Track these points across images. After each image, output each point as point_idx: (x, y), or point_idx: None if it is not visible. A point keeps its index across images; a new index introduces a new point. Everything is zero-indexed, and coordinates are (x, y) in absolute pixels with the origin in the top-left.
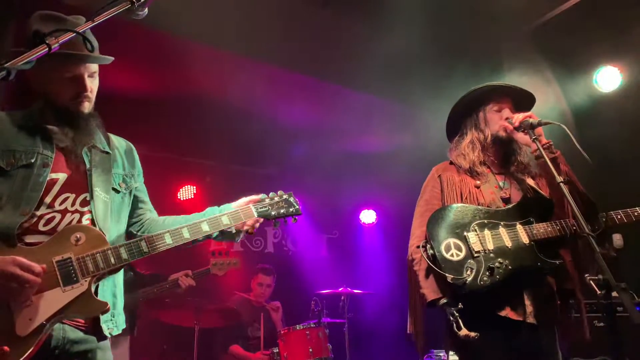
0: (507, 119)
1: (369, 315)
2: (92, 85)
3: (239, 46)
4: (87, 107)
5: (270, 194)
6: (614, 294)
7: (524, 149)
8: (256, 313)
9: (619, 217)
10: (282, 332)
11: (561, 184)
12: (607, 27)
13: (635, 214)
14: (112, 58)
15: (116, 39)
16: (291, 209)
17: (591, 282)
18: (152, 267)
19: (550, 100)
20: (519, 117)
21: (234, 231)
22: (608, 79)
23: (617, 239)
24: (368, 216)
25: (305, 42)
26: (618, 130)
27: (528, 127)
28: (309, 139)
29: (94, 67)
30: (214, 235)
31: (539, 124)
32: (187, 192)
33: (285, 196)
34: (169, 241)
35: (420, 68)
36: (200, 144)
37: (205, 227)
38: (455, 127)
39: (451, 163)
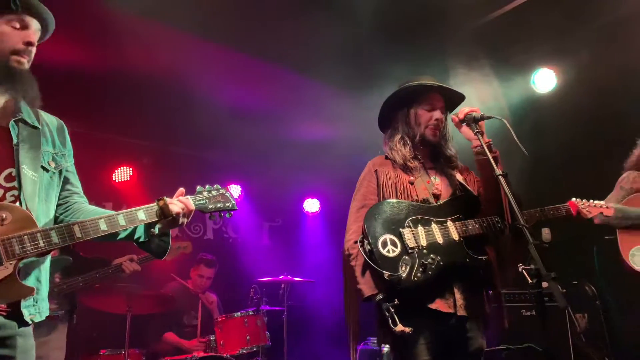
0: (436, 119)
1: (309, 303)
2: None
3: (181, 23)
4: (27, 65)
5: (207, 187)
6: (544, 284)
7: (451, 143)
8: (193, 300)
9: (537, 214)
10: (219, 319)
11: (500, 177)
12: (546, 30)
13: (551, 212)
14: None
15: (50, 8)
16: (227, 204)
17: (524, 271)
18: (94, 251)
19: (489, 97)
20: (464, 110)
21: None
22: (544, 80)
23: (546, 232)
24: (312, 205)
25: (253, 24)
26: (552, 129)
27: (472, 121)
28: (254, 124)
29: (38, 24)
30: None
31: (482, 118)
32: (123, 174)
33: (222, 190)
34: (103, 227)
35: (367, 57)
36: (138, 123)
37: (142, 216)
38: (388, 118)
39: (386, 157)
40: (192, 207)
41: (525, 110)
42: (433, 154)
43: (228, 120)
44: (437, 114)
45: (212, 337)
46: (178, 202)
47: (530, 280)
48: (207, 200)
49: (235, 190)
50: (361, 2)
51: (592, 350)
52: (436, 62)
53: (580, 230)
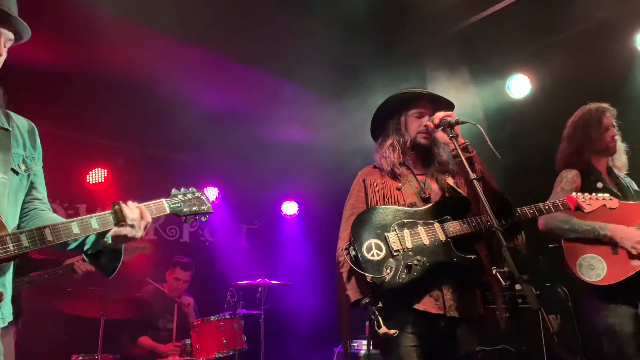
0: (425, 125)
1: (286, 306)
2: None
3: (159, 24)
4: None
5: (182, 190)
6: (517, 286)
7: (442, 149)
8: (169, 304)
9: (531, 211)
10: (195, 323)
11: (474, 181)
12: (522, 37)
13: (547, 207)
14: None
15: (21, 6)
16: (203, 207)
17: (498, 274)
18: (47, 252)
19: (466, 102)
20: (439, 115)
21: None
22: (519, 86)
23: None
24: (290, 208)
25: (233, 26)
26: (526, 134)
27: (447, 125)
28: (232, 126)
29: (10, 35)
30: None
31: (457, 123)
32: (97, 176)
33: (197, 194)
34: (76, 230)
35: (348, 63)
36: (114, 124)
37: (95, 224)
38: (380, 128)
39: (375, 167)
40: (149, 219)
41: (500, 115)
42: (424, 159)
43: (206, 122)
44: (425, 120)
45: (188, 341)
46: (136, 210)
47: (504, 283)
48: (182, 204)
49: (212, 192)
50: (342, 7)
51: (565, 351)
52: (415, 67)
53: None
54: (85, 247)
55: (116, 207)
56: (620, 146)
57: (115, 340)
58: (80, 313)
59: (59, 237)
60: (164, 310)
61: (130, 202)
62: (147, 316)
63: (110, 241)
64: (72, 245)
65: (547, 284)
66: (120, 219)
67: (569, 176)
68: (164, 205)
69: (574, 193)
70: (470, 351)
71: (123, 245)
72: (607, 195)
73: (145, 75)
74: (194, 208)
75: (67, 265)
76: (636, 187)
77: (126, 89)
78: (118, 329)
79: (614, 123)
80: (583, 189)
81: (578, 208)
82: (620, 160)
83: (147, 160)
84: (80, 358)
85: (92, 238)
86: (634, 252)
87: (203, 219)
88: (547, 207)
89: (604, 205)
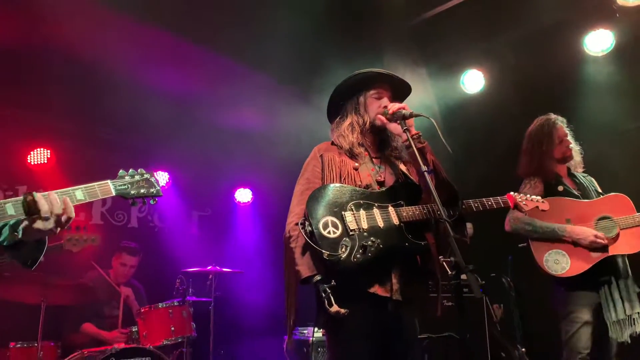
0: (385, 107)
1: (237, 294)
2: None
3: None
4: None
5: (130, 172)
6: (463, 276)
7: (395, 135)
8: (115, 291)
9: (476, 205)
10: (142, 310)
11: (425, 172)
12: (476, 33)
13: (489, 203)
14: None
15: None
16: (152, 190)
17: (444, 263)
18: None
19: (421, 95)
20: (393, 107)
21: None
22: (473, 81)
23: (469, 227)
24: (244, 195)
25: (188, 5)
26: (478, 128)
27: (400, 118)
28: (185, 109)
29: None
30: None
31: (411, 116)
32: (39, 156)
33: (146, 175)
34: (11, 212)
35: (307, 51)
36: (59, 103)
37: (11, 210)
38: (337, 108)
39: (332, 144)
40: (73, 214)
41: (455, 110)
42: (380, 143)
43: (158, 104)
44: (385, 101)
45: (135, 329)
46: (55, 202)
47: (450, 272)
48: (129, 186)
49: (162, 177)
50: None
51: (506, 339)
52: (372, 60)
53: (501, 226)
54: (1, 238)
55: (29, 198)
56: (575, 147)
57: (57, 327)
58: (19, 299)
59: (2, 217)
60: (109, 297)
61: (52, 193)
62: (91, 303)
63: (20, 235)
64: None
65: (492, 275)
66: (32, 211)
67: (532, 182)
68: (110, 187)
69: (512, 192)
70: (412, 335)
71: (47, 236)
72: (539, 198)
73: (94, 53)
74: (142, 190)
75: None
76: (597, 187)
77: (73, 66)
78: (60, 316)
79: (566, 131)
80: (546, 193)
81: (517, 206)
82: (576, 160)
83: (94, 141)
84: (19, 345)
85: (6, 231)
86: (591, 246)
87: (152, 202)
88: (489, 203)
89: (537, 207)
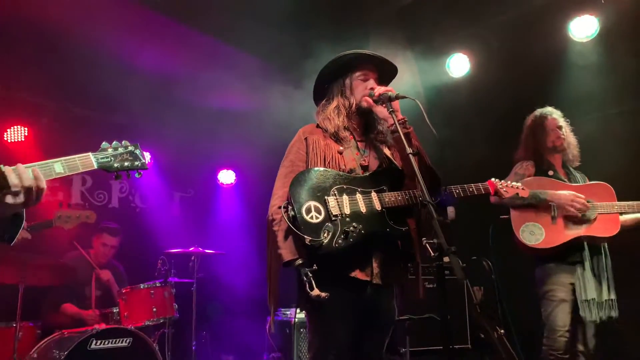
0: (371, 89)
1: (220, 276)
2: None
3: None
4: None
5: (114, 144)
6: (445, 259)
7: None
8: (95, 271)
9: (457, 191)
10: (123, 291)
11: (410, 155)
12: (462, 16)
13: (470, 189)
14: None
15: None
16: (137, 163)
17: (427, 245)
18: None
19: (407, 78)
20: (379, 89)
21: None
22: (458, 65)
23: (451, 211)
24: (227, 176)
25: None
26: (463, 112)
27: (386, 100)
28: (167, 87)
29: None
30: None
31: (397, 97)
32: (16, 134)
33: (130, 147)
34: None
35: (290, 29)
36: (36, 79)
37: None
38: (323, 91)
39: (318, 126)
40: (44, 185)
41: (440, 93)
42: (365, 126)
43: (138, 82)
44: (371, 83)
45: (116, 309)
46: (24, 174)
47: (432, 254)
48: (112, 158)
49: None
50: None
51: (486, 320)
52: (358, 42)
53: (480, 210)
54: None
55: None
56: (572, 141)
57: (36, 308)
58: None
59: None
60: (89, 278)
61: (20, 165)
62: (71, 283)
63: None
64: None
65: (473, 257)
66: (1, 186)
67: (524, 164)
68: (91, 160)
69: (493, 179)
70: (391, 318)
71: (24, 210)
72: (519, 185)
73: (74, 29)
74: (126, 163)
75: None
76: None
77: (52, 42)
78: (40, 296)
79: (559, 124)
80: (536, 174)
81: (497, 192)
82: (572, 153)
83: (73, 119)
84: None
85: None
86: (571, 209)
87: (137, 175)
88: (470, 189)
89: (517, 193)
